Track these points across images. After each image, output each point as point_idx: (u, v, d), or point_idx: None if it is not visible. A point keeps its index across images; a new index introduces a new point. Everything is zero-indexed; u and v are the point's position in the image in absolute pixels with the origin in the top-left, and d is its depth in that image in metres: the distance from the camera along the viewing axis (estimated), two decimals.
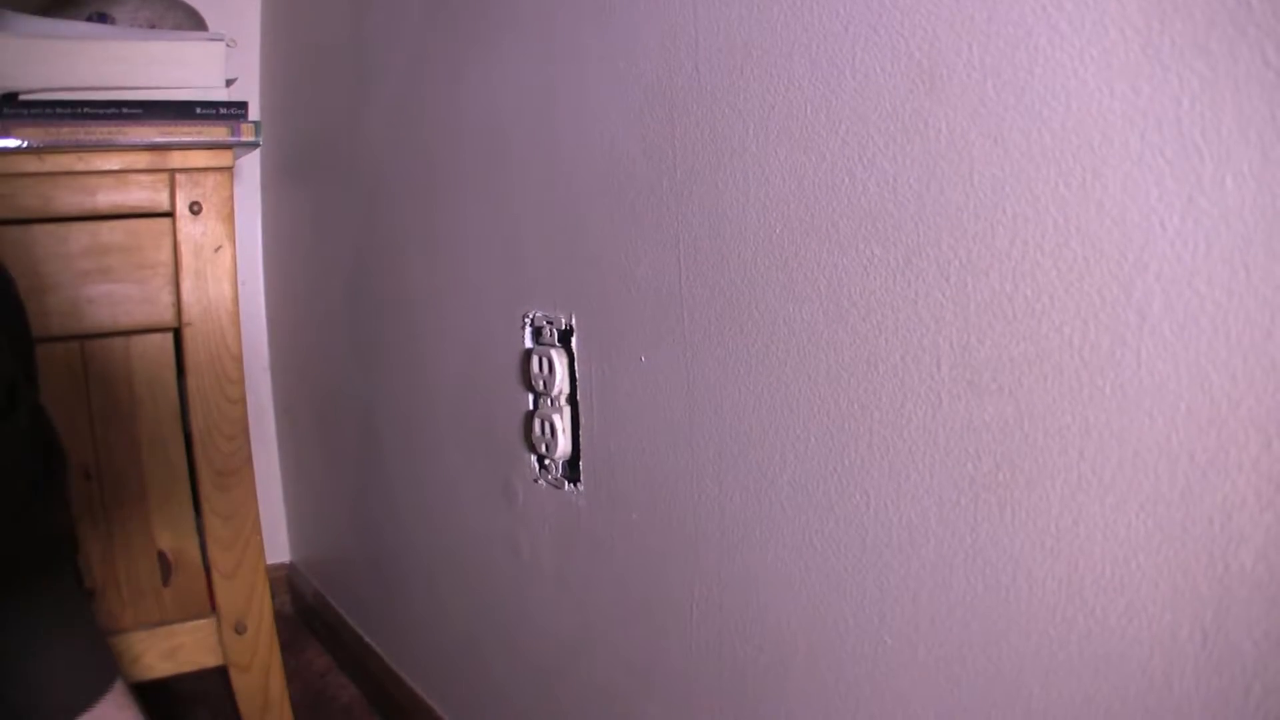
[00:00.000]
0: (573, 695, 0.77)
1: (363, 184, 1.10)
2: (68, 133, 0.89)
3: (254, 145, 0.97)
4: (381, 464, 1.12)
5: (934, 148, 0.42)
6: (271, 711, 1.05)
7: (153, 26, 0.99)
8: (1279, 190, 0.31)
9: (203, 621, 1.02)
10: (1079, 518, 0.38)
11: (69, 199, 0.91)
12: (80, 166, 0.91)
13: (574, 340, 0.71)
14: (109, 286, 0.93)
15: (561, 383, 0.72)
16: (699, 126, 0.56)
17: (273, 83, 1.42)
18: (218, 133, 0.94)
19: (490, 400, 0.84)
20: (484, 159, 0.81)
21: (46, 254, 0.91)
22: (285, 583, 1.57)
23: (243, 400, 0.99)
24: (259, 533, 1.02)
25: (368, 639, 1.24)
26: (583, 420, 0.71)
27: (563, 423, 0.72)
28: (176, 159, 0.94)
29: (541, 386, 0.74)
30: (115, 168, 0.92)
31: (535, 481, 0.78)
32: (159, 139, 0.92)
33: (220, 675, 1.06)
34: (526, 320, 0.76)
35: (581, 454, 0.71)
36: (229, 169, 0.97)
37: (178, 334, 0.97)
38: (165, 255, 0.95)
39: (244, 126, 0.94)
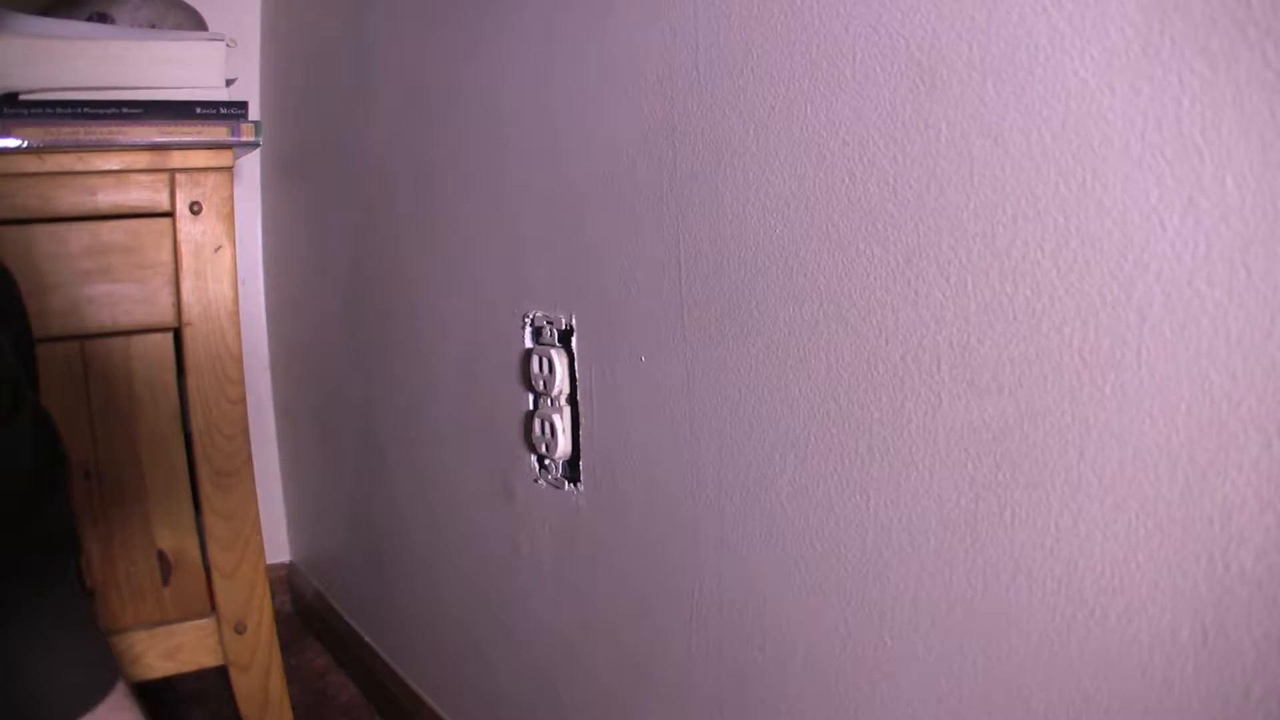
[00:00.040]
0: (573, 695, 0.77)
1: (363, 184, 1.10)
2: (68, 133, 0.89)
3: (254, 145, 0.97)
4: (381, 464, 1.12)
5: (934, 148, 0.42)
6: (271, 711, 1.05)
7: (153, 26, 0.99)
8: (1279, 190, 0.31)
9: (203, 621, 1.02)
10: (1079, 518, 0.38)
11: (69, 199, 0.91)
12: (80, 166, 0.91)
13: (574, 340, 0.71)
14: (109, 286, 0.93)
15: (561, 383, 0.72)
16: (699, 126, 0.56)
17: (273, 83, 1.42)
18: (218, 133, 0.94)
19: (490, 400, 0.84)
20: (484, 159, 0.81)
21: (46, 254, 0.91)
22: (285, 583, 1.57)
23: (243, 400, 0.99)
24: (259, 533, 1.02)
25: (367, 638, 1.24)
26: (583, 420, 0.71)
27: (563, 423, 0.72)
28: (176, 159, 0.94)
29: (541, 386, 0.74)
30: (115, 168, 0.92)
31: (535, 481, 0.78)
32: (159, 139, 0.92)
33: (220, 675, 1.06)
34: (526, 320, 0.76)
35: (581, 454, 0.71)
36: (229, 169, 0.97)
37: (178, 334, 0.97)
38: (165, 255, 0.95)
39: (244, 126, 0.94)
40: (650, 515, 0.64)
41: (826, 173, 0.48)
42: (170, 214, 0.95)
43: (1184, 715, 0.35)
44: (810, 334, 0.50)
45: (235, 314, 0.98)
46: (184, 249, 0.95)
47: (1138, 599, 0.36)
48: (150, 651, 0.99)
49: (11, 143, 0.87)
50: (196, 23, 1.04)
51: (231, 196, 0.97)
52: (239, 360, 0.98)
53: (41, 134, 0.88)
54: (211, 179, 0.96)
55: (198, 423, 0.98)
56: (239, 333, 0.98)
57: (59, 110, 0.88)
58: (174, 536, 1.01)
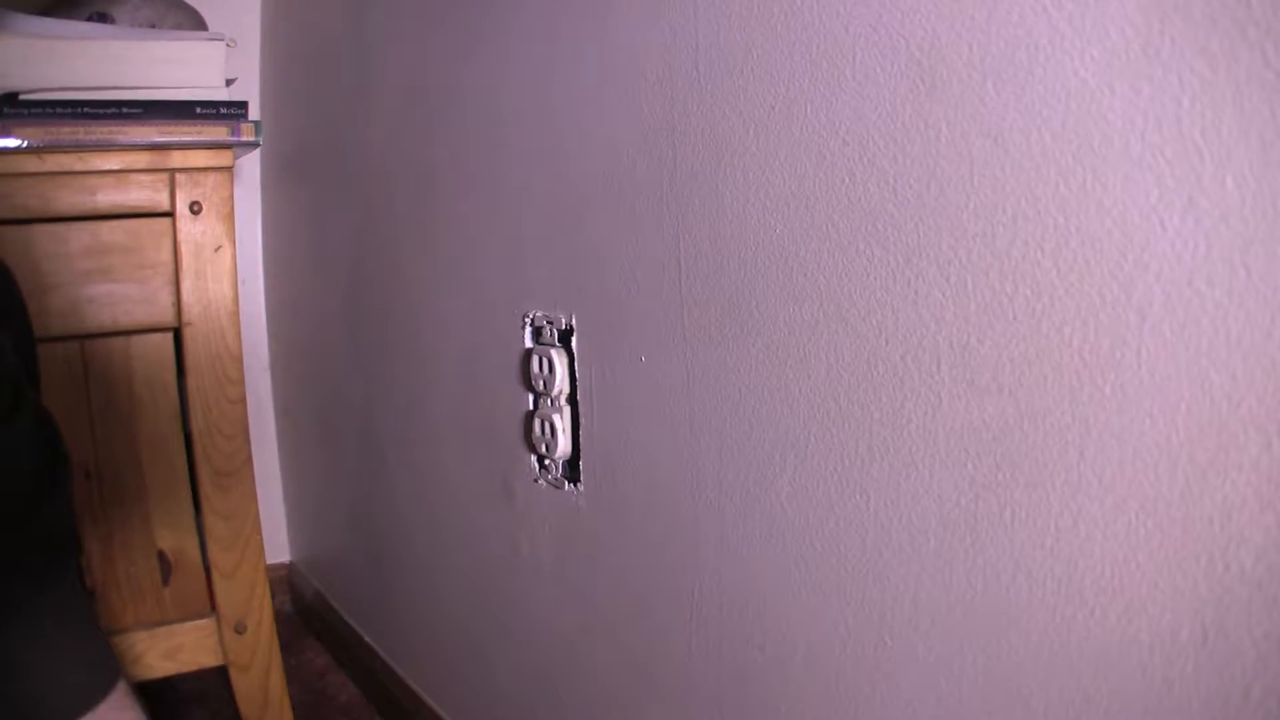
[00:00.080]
0: (573, 695, 0.77)
1: (363, 184, 1.10)
2: (68, 133, 0.89)
3: (254, 145, 0.97)
4: (381, 463, 1.12)
5: (934, 148, 0.42)
6: (271, 711, 1.05)
7: (153, 26, 0.99)
8: (1279, 190, 0.31)
9: (203, 621, 1.02)
10: (1079, 518, 0.38)
11: (69, 199, 0.91)
12: (80, 166, 0.91)
13: (574, 340, 0.71)
14: (109, 286, 0.93)
15: (561, 383, 0.72)
16: (699, 126, 0.56)
17: (273, 83, 1.42)
18: (218, 133, 0.94)
19: (490, 400, 0.84)
20: (484, 158, 0.81)
21: (46, 254, 0.91)
22: (285, 583, 1.57)
23: (243, 400, 0.99)
24: (259, 533, 1.02)
25: (367, 638, 1.24)
26: (583, 420, 0.71)
27: (563, 423, 0.72)
28: (176, 159, 0.94)
29: (541, 386, 0.74)
30: (115, 168, 0.92)
31: (535, 481, 0.78)
32: (159, 139, 0.92)
33: (220, 675, 1.06)
34: (526, 320, 0.76)
35: (581, 454, 0.71)
36: (229, 169, 0.97)
37: (178, 334, 0.97)
38: (165, 255, 0.95)
39: (244, 126, 0.94)
40: (650, 515, 0.64)
41: (826, 173, 0.48)
42: (170, 214, 0.95)
43: (1184, 715, 0.35)
44: (810, 334, 0.50)
45: (235, 314, 0.98)
46: (184, 249, 0.95)
47: (1138, 599, 0.36)
48: (150, 651, 0.99)
49: (11, 143, 0.87)
50: (196, 23, 1.04)
51: (231, 196, 0.97)
52: (239, 360, 0.98)
53: (41, 134, 0.88)
54: (211, 179, 0.96)
55: (198, 423, 0.98)
56: (239, 333, 0.98)
57: (59, 110, 0.88)
58: (174, 536, 1.01)
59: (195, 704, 1.21)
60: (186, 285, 0.95)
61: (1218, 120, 0.32)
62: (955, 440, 0.43)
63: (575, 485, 0.72)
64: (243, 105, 0.94)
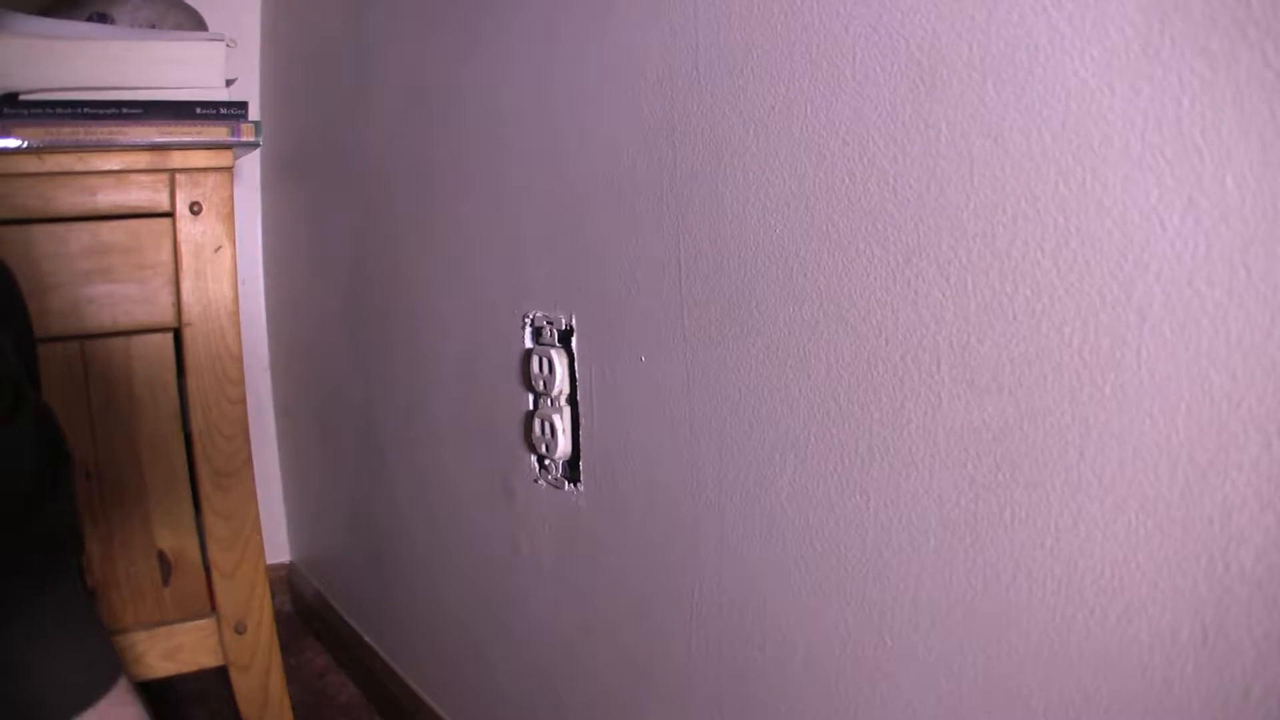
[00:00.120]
0: (573, 695, 0.77)
1: (363, 184, 1.10)
2: (68, 133, 0.89)
3: (254, 145, 0.97)
4: (381, 464, 1.12)
5: (934, 148, 0.42)
6: (271, 711, 1.05)
7: (153, 26, 0.99)
8: (1279, 190, 0.31)
9: (203, 621, 1.02)
10: (1079, 518, 0.38)
11: (69, 199, 0.91)
12: (80, 166, 0.91)
13: (574, 340, 0.71)
14: (109, 286, 0.93)
15: (561, 383, 0.72)
16: (699, 126, 0.56)
17: (273, 83, 1.42)
18: (218, 133, 0.94)
19: (490, 400, 0.84)
20: (484, 159, 0.81)
21: (46, 254, 0.91)
22: (285, 583, 1.57)
23: (243, 400, 0.99)
24: (259, 533, 1.02)
25: (367, 638, 1.24)
26: (583, 420, 0.71)
27: (563, 423, 0.72)
28: (176, 159, 0.94)
29: (541, 386, 0.74)
30: (115, 168, 0.92)
31: (535, 481, 0.78)
32: (159, 139, 0.92)
33: (220, 675, 1.06)
34: (526, 320, 0.76)
35: (581, 454, 0.71)
36: (229, 169, 0.97)
37: (178, 334, 0.97)
38: (165, 255, 0.95)
39: (244, 126, 0.94)
40: (650, 515, 0.64)
41: (826, 173, 0.48)
42: (170, 214, 0.95)
43: (1184, 715, 0.35)
44: (810, 334, 0.50)
45: (235, 314, 0.98)
46: (184, 249, 0.95)
47: (1138, 599, 0.36)
48: (150, 652, 0.99)
49: (11, 143, 0.87)
50: (196, 23, 1.04)
51: (231, 196, 0.97)
52: (239, 360, 0.98)
53: (41, 134, 0.88)
54: (211, 179, 0.96)
55: (198, 423, 0.98)
56: (239, 333, 0.98)
57: (59, 110, 0.88)
58: (174, 536, 1.01)
59: (195, 704, 1.21)
60: (186, 285, 0.95)
61: (1218, 120, 0.32)
62: (955, 440, 0.43)
63: (575, 485, 0.72)
64: (243, 105, 0.94)
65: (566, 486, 0.74)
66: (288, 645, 1.38)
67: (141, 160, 0.93)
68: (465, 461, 0.90)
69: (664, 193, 0.60)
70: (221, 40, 0.94)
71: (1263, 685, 0.33)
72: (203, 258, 0.96)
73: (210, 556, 1.01)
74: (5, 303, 0.71)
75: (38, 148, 0.88)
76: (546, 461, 0.75)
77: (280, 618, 1.30)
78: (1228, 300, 0.33)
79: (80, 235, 0.92)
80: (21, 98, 0.87)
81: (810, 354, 0.50)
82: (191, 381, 0.97)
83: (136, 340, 0.97)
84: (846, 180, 0.47)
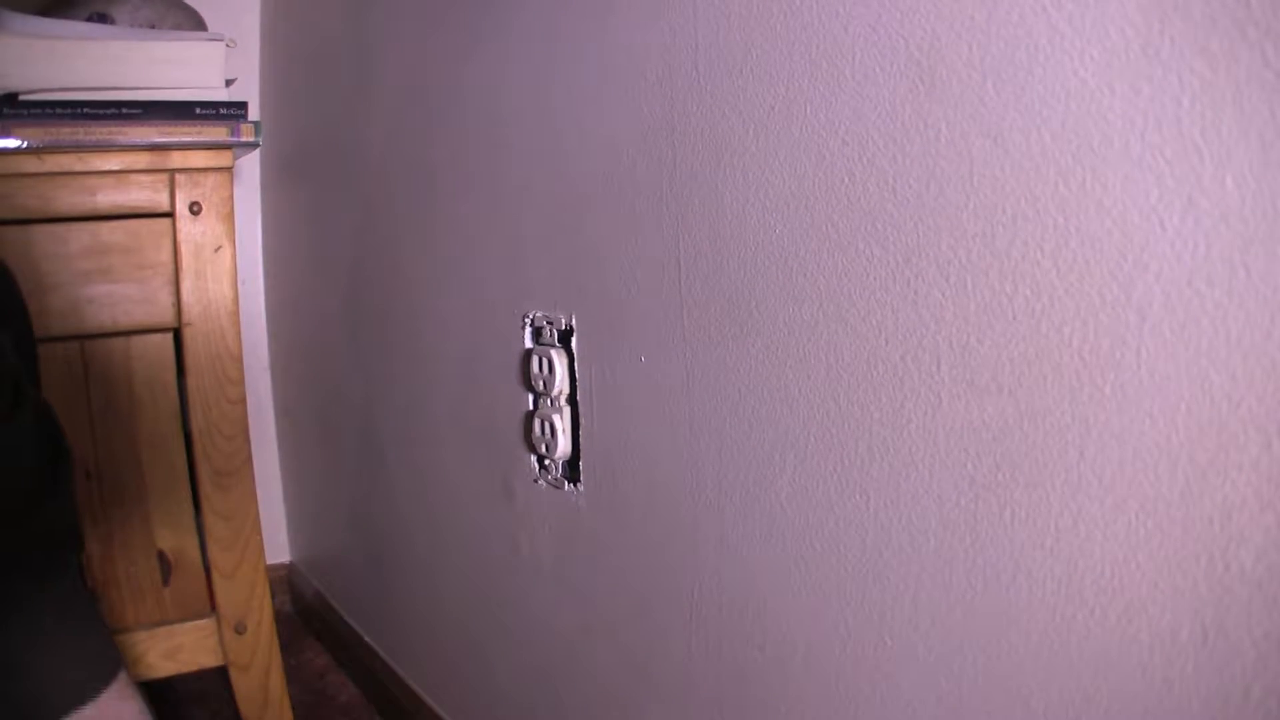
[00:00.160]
0: (573, 695, 0.77)
1: (363, 184, 1.10)
2: (68, 133, 0.89)
3: (254, 145, 0.97)
4: (381, 464, 1.12)
5: (934, 148, 0.42)
6: (271, 711, 1.05)
7: (153, 26, 0.99)
8: (1279, 190, 0.31)
9: (203, 621, 1.02)
10: (1079, 518, 0.38)
11: (69, 199, 0.91)
12: (80, 166, 0.91)
13: (574, 340, 0.71)
14: (109, 286, 0.93)
15: (561, 383, 0.72)
16: (699, 126, 0.56)
17: (273, 83, 1.42)
18: (218, 133, 0.94)
19: (490, 400, 0.84)
20: (484, 159, 0.81)
21: (46, 254, 0.91)
22: (285, 583, 1.57)
23: (243, 400, 0.99)
24: (259, 533, 1.02)
25: (367, 638, 1.24)
26: (583, 420, 0.71)
27: (563, 423, 0.72)
28: (176, 159, 0.94)
29: (541, 386, 0.74)
30: (115, 168, 0.92)
31: (535, 481, 0.78)
32: (159, 139, 0.92)
33: (220, 675, 1.06)
34: (526, 320, 0.76)
35: (581, 454, 0.71)
36: (229, 169, 0.97)
37: (178, 334, 0.97)
38: (165, 255, 0.95)
39: (244, 126, 0.94)
40: (650, 515, 0.64)
41: (826, 173, 0.48)
42: (170, 214, 0.95)
43: (1184, 715, 0.35)
44: (810, 334, 0.50)
45: (235, 314, 0.98)
46: (184, 249, 0.95)
47: (1138, 599, 0.36)
48: (150, 652, 0.99)
49: (11, 143, 0.87)
50: (196, 23, 1.04)
51: (231, 196, 0.97)
52: (239, 360, 0.98)
53: (41, 134, 0.88)
54: (211, 179, 0.96)
55: (198, 423, 0.98)
56: (239, 333, 0.98)
57: (59, 110, 0.88)
58: (174, 536, 1.01)
59: (195, 704, 1.21)
60: (186, 285, 0.95)
61: (1218, 120, 0.32)
62: (955, 440, 0.43)
63: (575, 485, 0.72)
64: (242, 105, 0.94)
65: (566, 486, 0.74)
66: (288, 645, 1.38)
67: (141, 160, 0.93)
68: (465, 461, 0.90)
69: (664, 193, 0.60)
70: (221, 40, 0.94)
71: (1263, 685, 0.33)
72: (203, 258, 0.96)
73: (210, 556, 1.01)
74: (5, 303, 0.71)
75: (38, 148, 0.88)
76: (546, 461, 0.75)
77: (280, 618, 1.30)
78: (1228, 300, 0.33)
79: (80, 235, 0.92)
80: (21, 98, 0.87)
81: (810, 354, 0.50)
82: (191, 381, 0.97)
83: (136, 340, 0.97)
84: (846, 180, 0.47)
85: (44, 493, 0.66)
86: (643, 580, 0.66)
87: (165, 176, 0.94)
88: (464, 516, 0.92)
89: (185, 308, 0.95)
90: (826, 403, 0.50)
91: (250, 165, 1.49)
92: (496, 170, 0.79)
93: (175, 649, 1.00)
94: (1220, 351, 0.33)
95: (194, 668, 1.02)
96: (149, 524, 1.00)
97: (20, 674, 0.65)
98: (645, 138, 0.61)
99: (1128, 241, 0.35)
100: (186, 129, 0.93)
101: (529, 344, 0.76)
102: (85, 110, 0.89)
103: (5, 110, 0.86)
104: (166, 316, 0.96)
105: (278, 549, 1.57)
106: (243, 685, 1.03)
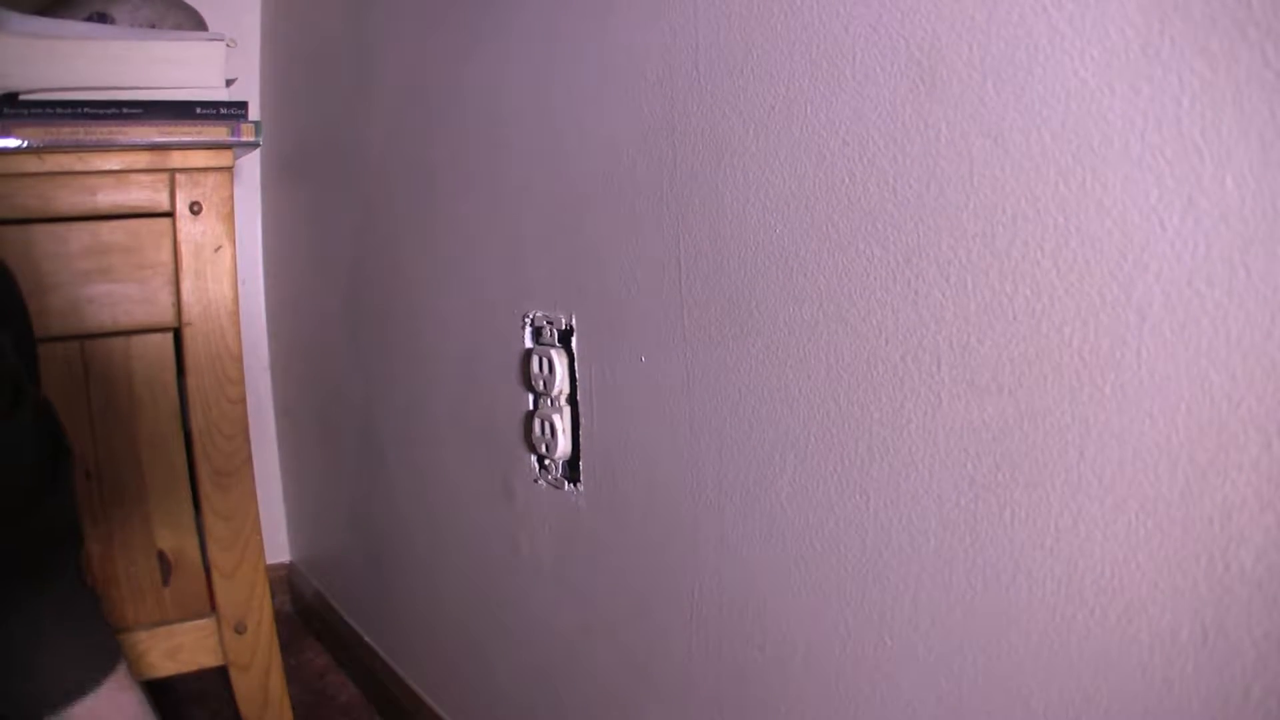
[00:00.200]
0: (573, 695, 0.77)
1: (363, 184, 1.10)
2: (68, 133, 0.89)
3: (254, 145, 0.97)
4: (381, 464, 1.12)
5: (934, 148, 0.42)
6: (271, 711, 1.05)
7: (153, 26, 0.99)
8: (1279, 190, 0.31)
9: (203, 621, 1.02)
10: (1079, 518, 0.38)
11: (69, 199, 0.91)
12: (80, 166, 0.91)
13: (574, 340, 0.71)
14: (109, 286, 0.93)
15: (561, 383, 0.72)
16: (699, 126, 0.56)
17: (273, 83, 1.42)
18: (218, 133, 0.94)
19: (490, 400, 0.84)
20: (484, 159, 0.81)
21: (46, 254, 0.91)
22: (285, 583, 1.57)
23: (243, 400, 0.99)
24: (259, 533, 1.02)
25: (367, 638, 1.24)
26: (583, 420, 0.71)
27: (563, 423, 0.72)
28: (176, 159, 0.94)
29: (541, 386, 0.74)
30: (115, 168, 0.92)
31: (535, 481, 0.78)
32: (159, 139, 0.92)
33: (220, 675, 1.06)
34: (526, 320, 0.76)
35: (581, 454, 0.71)
36: (229, 169, 0.97)
37: (178, 334, 0.97)
38: (165, 255, 0.95)
39: (244, 126, 0.94)
40: (650, 515, 0.64)
41: (826, 173, 0.48)
42: (170, 214, 0.95)
43: (1184, 715, 0.35)
44: (810, 334, 0.50)
45: (235, 314, 0.98)
46: (184, 249, 0.95)
47: (1138, 599, 0.36)
48: (150, 651, 0.99)
49: (11, 143, 0.87)
50: (196, 23, 1.04)
51: (231, 196, 0.97)
52: (239, 360, 0.98)
53: (41, 134, 0.88)
54: (211, 179, 0.96)
55: (198, 423, 0.98)
56: (239, 333, 0.98)
57: (59, 110, 0.88)
58: (174, 536, 1.01)
59: (195, 704, 1.21)
60: (186, 285, 0.95)
61: (1218, 120, 0.32)
62: (955, 440, 0.43)
63: (575, 485, 0.72)
64: (243, 105, 0.94)
65: (566, 486, 0.74)
66: (288, 645, 1.38)
67: (141, 160, 0.93)
68: (465, 461, 0.90)
69: (664, 193, 0.60)
70: (221, 40, 0.94)
71: (1263, 685, 0.33)
72: (203, 258, 0.96)
73: (210, 556, 1.01)
74: (5, 303, 0.71)
75: (38, 148, 0.88)
76: (546, 461, 0.75)
77: (280, 618, 1.30)
78: (1228, 300, 0.33)
79: (80, 235, 0.92)
80: (21, 98, 0.87)
81: (810, 354, 0.50)
82: (191, 381, 0.97)
83: (136, 340, 0.97)
84: (846, 180, 0.47)
85: (44, 490, 0.66)
86: (643, 580, 0.66)
87: (165, 176, 0.94)
88: (464, 516, 0.92)
89: (185, 307, 0.95)
90: (826, 403, 0.50)
91: (250, 165, 1.49)
92: (496, 170, 0.79)
93: (175, 649, 1.01)
94: (1220, 351, 0.33)
95: (194, 668, 1.02)
96: (149, 524, 1.00)
97: (20, 671, 0.65)
98: (645, 138, 0.61)
99: (1128, 241, 0.35)
100: (186, 129, 0.93)
101: (529, 344, 0.76)
102: (85, 110, 0.89)
103: (5, 110, 0.86)
104: (166, 316, 0.96)
105: (278, 549, 1.57)
106: (243, 685, 1.03)
